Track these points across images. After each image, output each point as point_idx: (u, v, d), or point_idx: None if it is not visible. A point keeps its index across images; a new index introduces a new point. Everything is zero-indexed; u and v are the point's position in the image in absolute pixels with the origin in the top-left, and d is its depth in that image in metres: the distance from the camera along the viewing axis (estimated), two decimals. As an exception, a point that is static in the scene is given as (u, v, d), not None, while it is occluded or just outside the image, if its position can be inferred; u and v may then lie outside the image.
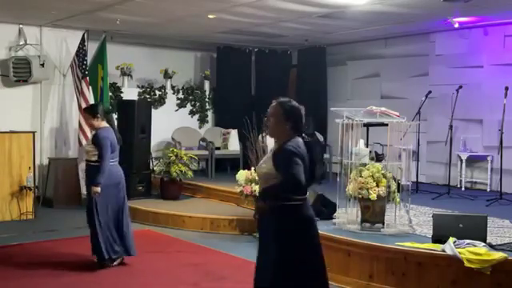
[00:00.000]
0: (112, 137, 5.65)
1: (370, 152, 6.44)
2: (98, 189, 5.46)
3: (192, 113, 11.22)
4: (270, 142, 3.55)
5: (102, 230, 5.56)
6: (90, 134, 6.74)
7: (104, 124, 5.70)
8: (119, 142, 5.81)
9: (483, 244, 4.75)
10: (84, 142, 8.30)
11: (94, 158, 5.54)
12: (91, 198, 5.54)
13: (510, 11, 7.69)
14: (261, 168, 3.40)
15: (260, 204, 3.41)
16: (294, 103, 3.40)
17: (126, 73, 10.26)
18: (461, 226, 4.99)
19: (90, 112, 5.77)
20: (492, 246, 4.84)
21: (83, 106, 8.76)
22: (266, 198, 3.35)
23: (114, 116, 9.57)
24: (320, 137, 10.44)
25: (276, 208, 3.29)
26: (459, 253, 4.61)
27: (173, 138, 10.47)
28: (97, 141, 5.55)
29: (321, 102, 11.16)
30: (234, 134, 10.57)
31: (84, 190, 5.75)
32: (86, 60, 9.01)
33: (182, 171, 8.64)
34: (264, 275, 3.36)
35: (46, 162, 9.16)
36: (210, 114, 11.48)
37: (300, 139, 3.33)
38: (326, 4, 7.26)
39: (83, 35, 9.03)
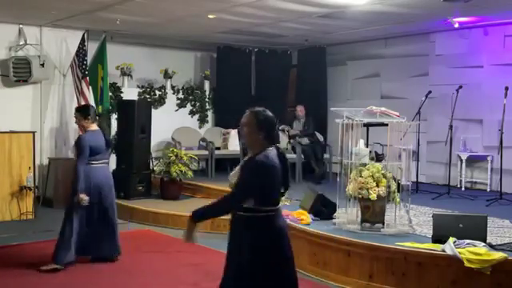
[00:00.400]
0: (96, 140, 5.65)
1: (370, 152, 6.44)
2: (83, 196, 5.47)
3: (192, 113, 11.22)
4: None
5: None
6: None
7: (93, 127, 5.71)
8: (109, 145, 5.88)
9: (483, 244, 4.75)
10: None
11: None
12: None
13: (510, 11, 7.68)
14: (232, 179, 3.33)
15: (189, 223, 3.34)
16: (268, 113, 3.35)
17: (126, 73, 10.26)
18: (461, 226, 4.99)
19: (81, 113, 5.79)
20: (492, 246, 4.84)
21: (83, 106, 8.80)
22: (200, 211, 3.31)
23: (114, 116, 9.61)
24: (320, 137, 10.46)
25: (248, 220, 3.23)
26: (459, 253, 4.61)
27: (173, 138, 10.47)
28: (76, 143, 5.63)
29: (321, 102, 11.17)
30: (233, 134, 10.57)
31: None
32: (86, 60, 9.01)
33: (182, 171, 8.64)
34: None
35: (45, 161, 9.16)
36: (210, 114, 11.48)
37: (273, 150, 3.26)
38: (326, 4, 7.26)
39: (83, 35, 9.03)
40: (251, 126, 3.30)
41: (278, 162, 3.24)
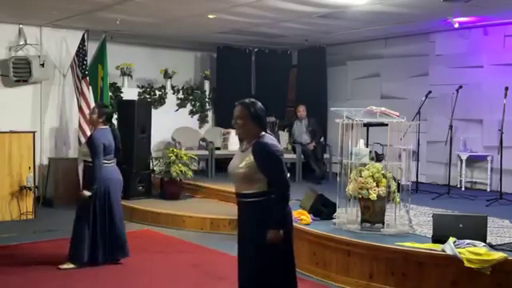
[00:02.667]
0: (107, 138, 5.63)
1: (370, 152, 6.44)
2: (86, 192, 5.49)
3: (192, 113, 11.22)
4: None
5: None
6: (89, 133, 6.69)
7: (103, 125, 5.70)
8: (118, 149, 5.80)
9: (483, 244, 4.75)
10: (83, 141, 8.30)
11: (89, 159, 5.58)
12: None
13: (510, 11, 7.68)
14: (237, 169, 3.48)
15: (275, 234, 3.37)
16: (257, 103, 3.57)
17: (125, 73, 10.26)
18: (461, 226, 4.99)
19: (100, 110, 5.78)
20: (492, 246, 4.84)
21: (83, 106, 8.79)
22: (279, 222, 3.40)
23: (114, 116, 9.61)
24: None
25: (263, 203, 3.41)
26: (459, 253, 4.61)
27: (173, 138, 10.47)
28: (90, 142, 5.59)
29: (321, 102, 11.16)
30: (233, 134, 10.57)
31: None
32: (86, 60, 9.00)
33: (182, 171, 8.64)
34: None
35: (45, 161, 9.17)
36: (210, 114, 11.48)
37: (269, 135, 3.51)
38: (326, 4, 7.26)
39: (83, 35, 9.03)
40: (244, 117, 3.52)
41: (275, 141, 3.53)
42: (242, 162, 3.45)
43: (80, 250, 5.56)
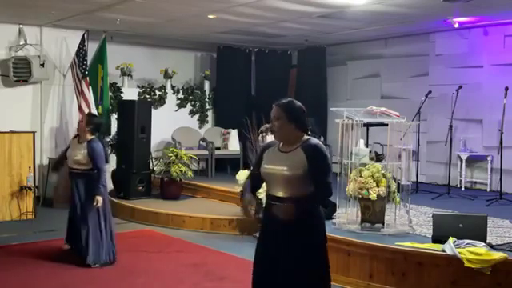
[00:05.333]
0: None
1: (370, 152, 6.44)
2: (100, 198, 5.67)
3: (192, 113, 11.22)
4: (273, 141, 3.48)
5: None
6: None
7: (89, 135, 5.84)
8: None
9: (483, 244, 4.75)
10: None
11: (87, 167, 5.74)
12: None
13: (510, 11, 7.68)
14: (281, 171, 3.25)
15: (288, 208, 3.22)
16: (296, 102, 3.38)
17: (125, 73, 10.26)
18: (461, 226, 4.99)
19: (88, 119, 5.92)
20: (492, 246, 4.85)
21: (83, 105, 8.80)
22: (304, 209, 3.25)
23: (114, 116, 9.62)
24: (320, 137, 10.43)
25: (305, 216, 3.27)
26: (459, 253, 4.61)
27: (173, 138, 10.47)
28: (95, 152, 5.71)
29: (321, 102, 11.16)
30: (233, 134, 10.57)
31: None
32: (86, 60, 9.01)
33: (182, 171, 8.64)
34: None
35: (46, 161, 9.17)
36: (210, 114, 11.48)
37: (314, 139, 3.33)
38: (326, 4, 7.26)
39: (83, 35, 9.04)
40: (282, 118, 3.31)
41: None
42: (289, 164, 3.23)
43: (101, 250, 5.72)
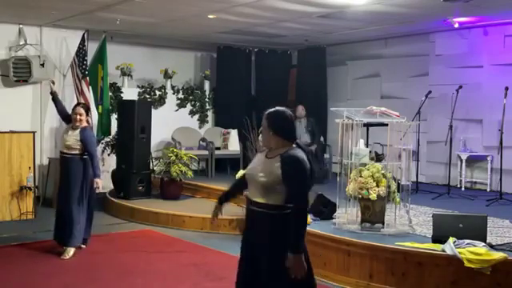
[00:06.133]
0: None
1: (370, 152, 6.44)
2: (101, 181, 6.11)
3: (192, 113, 11.22)
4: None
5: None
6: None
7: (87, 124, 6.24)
8: None
9: (483, 244, 4.75)
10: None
11: (77, 152, 6.07)
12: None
13: (510, 11, 7.68)
14: (258, 176, 3.27)
15: (297, 261, 3.14)
16: (285, 113, 3.36)
17: (125, 73, 10.26)
18: (461, 226, 5.00)
19: (86, 109, 6.31)
20: (492, 246, 4.85)
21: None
22: (299, 243, 3.18)
23: (114, 116, 9.62)
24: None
25: (276, 217, 3.22)
26: (459, 253, 4.61)
27: (173, 138, 10.47)
28: (91, 137, 6.14)
29: (321, 102, 11.16)
30: (233, 134, 10.58)
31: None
32: (86, 60, 9.01)
33: (182, 171, 8.64)
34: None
35: (46, 161, 9.16)
36: (210, 114, 11.48)
37: (298, 149, 3.29)
38: (326, 4, 7.26)
39: (83, 35, 9.04)
40: (263, 126, 3.37)
41: (306, 157, 3.27)
42: (266, 170, 3.24)
43: (81, 233, 6.09)
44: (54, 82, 6.58)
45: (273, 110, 3.40)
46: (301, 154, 3.25)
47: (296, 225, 3.17)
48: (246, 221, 3.48)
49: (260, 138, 7.00)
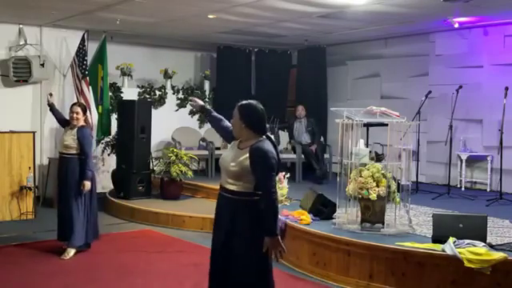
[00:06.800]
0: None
1: (370, 152, 6.44)
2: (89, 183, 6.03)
3: (192, 113, 11.22)
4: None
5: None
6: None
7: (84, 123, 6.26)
8: None
9: (483, 244, 4.75)
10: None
11: (75, 152, 6.07)
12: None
13: (510, 11, 7.68)
14: (229, 165, 3.45)
15: (275, 242, 3.38)
16: (253, 105, 3.52)
17: (125, 73, 10.25)
18: (461, 226, 4.99)
19: (83, 108, 6.30)
20: (492, 246, 4.85)
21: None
22: (274, 227, 3.39)
23: (114, 116, 9.62)
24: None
25: (246, 203, 3.42)
26: (459, 253, 4.61)
27: (173, 138, 10.47)
28: (87, 137, 6.11)
29: (321, 102, 11.16)
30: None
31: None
32: (86, 60, 9.01)
33: (182, 171, 8.64)
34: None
35: (46, 161, 9.16)
36: (210, 114, 11.45)
37: (265, 140, 3.46)
38: (326, 4, 7.26)
39: (83, 35, 9.03)
40: (235, 118, 3.53)
41: (273, 149, 3.45)
42: (236, 160, 3.42)
43: (82, 233, 6.06)
44: (51, 95, 6.57)
45: (246, 102, 3.56)
46: (267, 145, 3.42)
47: (267, 210, 3.35)
48: (216, 207, 3.64)
49: None
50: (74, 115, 6.11)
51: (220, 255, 3.55)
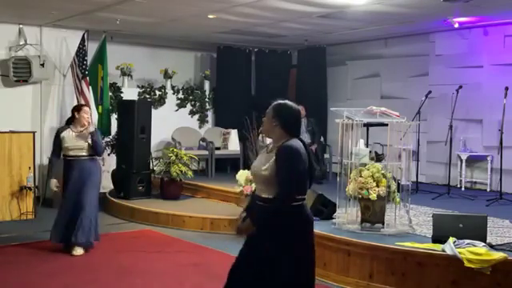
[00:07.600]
0: None
1: (370, 152, 6.44)
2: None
3: (192, 113, 11.22)
4: (270, 142, 3.55)
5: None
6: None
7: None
8: None
9: (483, 244, 4.75)
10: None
11: (86, 153, 6.18)
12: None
13: (510, 11, 7.69)
14: (261, 170, 3.32)
15: (246, 225, 3.34)
16: (288, 105, 3.43)
17: (125, 73, 10.26)
18: (461, 225, 4.99)
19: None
20: (492, 246, 4.85)
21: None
22: (261, 221, 3.29)
23: (114, 116, 9.62)
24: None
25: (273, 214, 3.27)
26: (459, 253, 4.61)
27: (173, 138, 10.47)
28: (98, 136, 6.23)
29: (321, 102, 11.16)
30: (233, 134, 10.57)
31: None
32: (86, 60, 9.02)
33: (182, 171, 8.64)
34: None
35: (46, 161, 9.16)
36: (210, 114, 11.48)
37: (296, 140, 3.34)
38: (326, 4, 7.26)
39: (83, 35, 9.04)
40: (268, 116, 3.42)
41: (305, 151, 3.31)
42: (266, 164, 3.29)
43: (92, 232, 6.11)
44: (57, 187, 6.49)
45: (283, 101, 3.44)
46: (297, 143, 3.30)
47: (272, 209, 3.24)
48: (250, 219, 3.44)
49: (261, 136, 7.00)
50: (87, 118, 6.14)
51: (253, 258, 3.35)
